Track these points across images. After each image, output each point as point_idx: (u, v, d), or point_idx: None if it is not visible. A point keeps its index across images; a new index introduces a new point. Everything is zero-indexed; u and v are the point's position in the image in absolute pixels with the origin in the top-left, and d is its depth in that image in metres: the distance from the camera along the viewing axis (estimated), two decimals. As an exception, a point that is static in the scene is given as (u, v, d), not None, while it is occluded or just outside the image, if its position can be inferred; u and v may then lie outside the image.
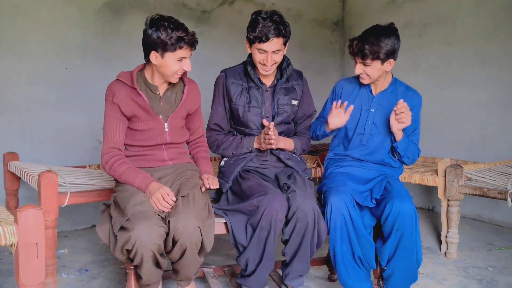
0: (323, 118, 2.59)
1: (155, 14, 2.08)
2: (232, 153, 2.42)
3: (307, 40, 5.02)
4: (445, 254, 3.09)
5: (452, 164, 2.98)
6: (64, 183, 2.45)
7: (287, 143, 2.44)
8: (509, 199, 2.63)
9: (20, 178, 3.01)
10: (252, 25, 2.25)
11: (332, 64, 5.32)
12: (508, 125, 3.74)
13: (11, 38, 3.45)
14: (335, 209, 2.21)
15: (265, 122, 2.36)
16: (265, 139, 2.30)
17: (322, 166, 3.35)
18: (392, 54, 2.34)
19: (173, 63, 2.06)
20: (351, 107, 2.38)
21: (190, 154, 2.44)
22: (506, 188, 2.71)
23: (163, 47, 2.02)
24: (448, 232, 3.05)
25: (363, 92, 2.52)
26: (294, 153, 2.50)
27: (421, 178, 3.11)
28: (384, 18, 4.67)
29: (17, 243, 1.66)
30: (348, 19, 5.27)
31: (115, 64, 3.73)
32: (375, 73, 2.38)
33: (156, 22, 2.03)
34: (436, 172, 3.10)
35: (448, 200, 3.00)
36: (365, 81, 2.44)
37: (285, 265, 2.28)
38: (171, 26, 2.02)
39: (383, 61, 2.33)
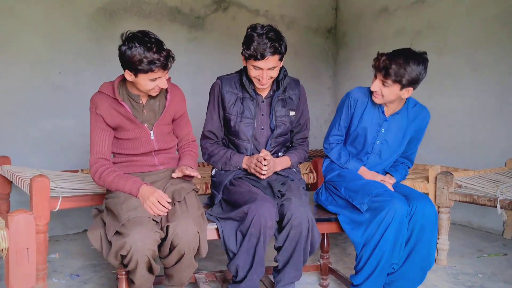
0: (341, 137, 2.56)
1: (129, 30, 2.01)
2: (221, 168, 2.42)
3: (300, 47, 5.06)
4: (435, 260, 3.10)
5: (442, 171, 3.01)
6: (56, 187, 2.44)
7: (284, 164, 2.44)
8: (498, 206, 2.66)
9: (11, 182, 2.99)
10: (247, 42, 2.20)
11: (325, 71, 5.35)
12: (498, 132, 3.79)
13: (4, 41, 3.44)
14: (398, 215, 2.16)
15: (263, 151, 2.30)
16: (256, 166, 2.30)
17: (314, 172, 3.37)
18: (414, 83, 2.26)
19: (146, 82, 2.03)
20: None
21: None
22: (495, 195, 2.73)
23: (135, 69, 1.98)
24: (438, 238, 3.07)
25: (375, 110, 2.45)
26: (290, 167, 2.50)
27: (411, 185, 3.13)
28: (377, 26, 4.79)
29: (8, 247, 1.66)
30: (341, 26, 5.31)
31: (109, 69, 3.72)
32: (390, 96, 2.31)
33: (129, 40, 1.97)
34: (427, 179, 3.12)
35: (439, 207, 3.02)
36: (377, 100, 2.36)
37: (277, 271, 2.28)
38: (143, 47, 1.94)
39: (402, 87, 2.26)
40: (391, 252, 2.20)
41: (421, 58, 2.25)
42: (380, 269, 2.21)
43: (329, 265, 2.74)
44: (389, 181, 2.45)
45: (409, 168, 2.62)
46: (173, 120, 2.31)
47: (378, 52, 2.33)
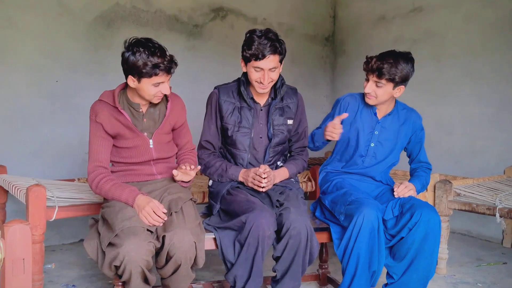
0: (322, 130, 2.53)
1: (133, 37, 2.05)
2: (217, 179, 2.41)
3: (298, 55, 5.06)
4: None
5: (441, 180, 3.00)
6: (52, 196, 2.42)
7: (283, 175, 2.43)
8: (497, 214, 2.65)
9: (7, 191, 2.97)
10: (248, 43, 2.23)
11: (323, 78, 5.36)
12: (496, 139, 3.79)
13: (2, 49, 3.44)
14: (367, 221, 2.17)
15: (262, 167, 2.28)
16: (254, 179, 2.28)
17: (313, 181, 3.36)
18: (405, 80, 2.37)
19: (149, 87, 2.05)
20: (345, 115, 2.38)
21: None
22: (494, 204, 2.72)
23: (139, 73, 2.00)
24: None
25: (367, 113, 2.51)
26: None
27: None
28: (375, 34, 4.80)
29: (4, 258, 1.64)
30: (339, 34, 5.32)
31: (107, 77, 3.73)
32: (383, 95, 2.38)
33: (133, 46, 2.00)
34: (426, 187, 3.11)
35: (438, 215, 3.01)
36: (370, 101, 2.43)
37: (275, 281, 2.25)
38: (147, 52, 1.97)
39: (395, 85, 2.35)
40: (367, 258, 2.20)
41: (407, 57, 2.39)
42: (358, 276, 2.21)
43: (328, 274, 2.73)
44: (404, 190, 2.39)
45: (429, 170, 2.59)
46: (173, 130, 2.31)
47: (366, 56, 2.42)
